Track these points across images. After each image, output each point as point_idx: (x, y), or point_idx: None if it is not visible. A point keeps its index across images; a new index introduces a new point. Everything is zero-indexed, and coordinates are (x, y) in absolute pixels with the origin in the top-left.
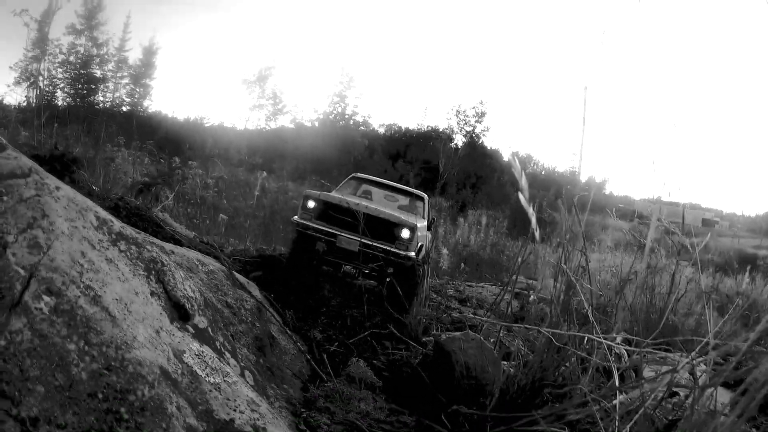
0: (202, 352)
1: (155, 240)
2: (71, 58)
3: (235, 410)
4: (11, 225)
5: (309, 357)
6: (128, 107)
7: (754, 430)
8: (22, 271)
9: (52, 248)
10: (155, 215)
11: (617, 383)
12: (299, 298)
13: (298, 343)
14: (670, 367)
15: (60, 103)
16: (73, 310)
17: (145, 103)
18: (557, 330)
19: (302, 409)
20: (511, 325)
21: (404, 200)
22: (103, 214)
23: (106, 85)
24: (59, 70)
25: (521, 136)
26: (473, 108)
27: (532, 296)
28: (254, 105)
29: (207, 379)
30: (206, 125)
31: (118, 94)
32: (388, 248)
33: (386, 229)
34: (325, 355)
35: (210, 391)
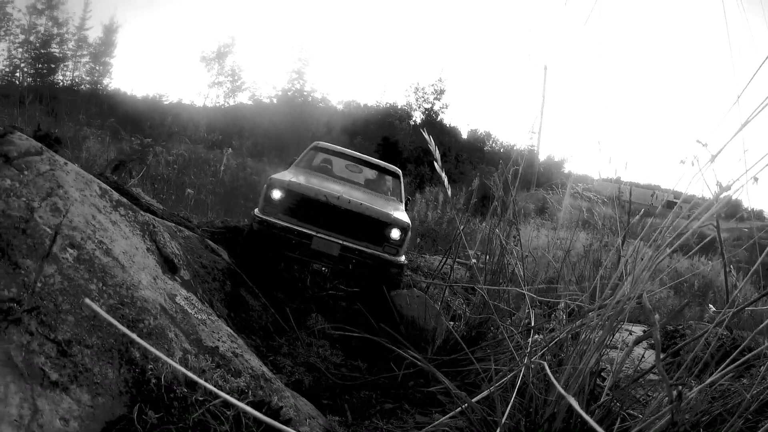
0: (189, 296)
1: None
2: (31, 38)
3: (218, 340)
4: (34, 194)
5: (273, 311)
6: (88, 86)
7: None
8: (48, 230)
9: (70, 212)
10: (131, 189)
11: (532, 322)
12: (262, 265)
13: (264, 301)
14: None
15: (23, 83)
16: (92, 260)
17: (105, 81)
18: (491, 286)
19: (269, 354)
20: (451, 284)
21: (371, 174)
22: (104, 185)
23: (66, 64)
24: (19, 50)
25: (480, 114)
26: (432, 85)
27: (472, 260)
28: (213, 82)
29: (195, 316)
30: (165, 103)
31: (78, 73)
32: (376, 253)
33: (373, 228)
34: (288, 309)
35: (198, 324)
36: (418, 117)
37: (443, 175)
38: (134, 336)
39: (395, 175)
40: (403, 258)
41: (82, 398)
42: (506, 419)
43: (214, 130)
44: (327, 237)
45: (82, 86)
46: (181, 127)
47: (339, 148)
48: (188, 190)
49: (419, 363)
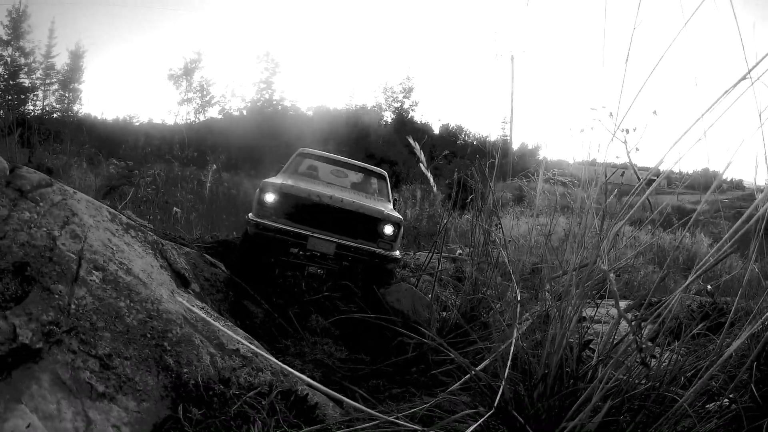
0: (204, 306)
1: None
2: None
3: (238, 343)
4: (53, 223)
5: (276, 315)
6: (59, 113)
7: None
8: (72, 255)
9: (88, 237)
10: (124, 213)
11: (518, 298)
12: (260, 270)
13: (265, 307)
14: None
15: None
16: (116, 279)
17: (75, 107)
18: (478, 273)
19: (278, 356)
20: (440, 277)
21: (357, 177)
22: (112, 210)
23: (36, 93)
24: None
25: (451, 108)
26: (400, 84)
27: (458, 251)
28: (183, 99)
29: (213, 323)
30: (136, 124)
31: (48, 102)
32: (371, 249)
33: (366, 225)
34: (290, 312)
35: (218, 330)
36: (388, 116)
37: (428, 174)
38: (220, 327)
39: (381, 177)
40: (397, 253)
41: (129, 405)
42: (506, 383)
43: (187, 147)
44: (322, 236)
45: (54, 114)
46: (155, 146)
47: (324, 153)
48: (175, 209)
49: (424, 340)
